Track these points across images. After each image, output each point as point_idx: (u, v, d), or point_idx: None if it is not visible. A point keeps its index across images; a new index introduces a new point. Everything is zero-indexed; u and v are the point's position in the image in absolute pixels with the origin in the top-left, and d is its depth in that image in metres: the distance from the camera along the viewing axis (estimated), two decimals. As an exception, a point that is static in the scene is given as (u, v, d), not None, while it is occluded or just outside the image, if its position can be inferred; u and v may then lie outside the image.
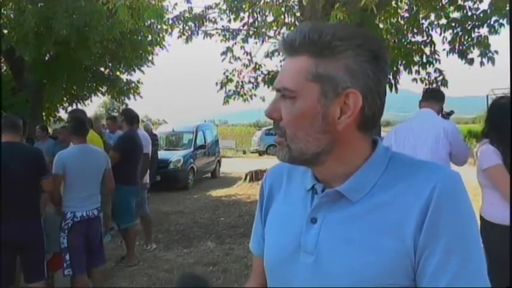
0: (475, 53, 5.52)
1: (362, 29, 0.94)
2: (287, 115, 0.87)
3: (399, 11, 6.13)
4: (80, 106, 13.80)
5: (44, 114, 13.38)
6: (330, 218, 0.89)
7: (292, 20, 6.92)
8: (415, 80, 5.90)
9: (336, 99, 0.85)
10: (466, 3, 5.60)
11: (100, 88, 13.95)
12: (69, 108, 13.76)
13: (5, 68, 12.73)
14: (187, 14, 7.65)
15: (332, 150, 0.87)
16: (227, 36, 8.08)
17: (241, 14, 7.78)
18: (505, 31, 5.41)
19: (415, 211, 0.81)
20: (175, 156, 11.86)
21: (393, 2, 5.78)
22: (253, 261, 1.15)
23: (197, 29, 7.80)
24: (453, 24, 5.62)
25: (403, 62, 5.61)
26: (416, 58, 5.76)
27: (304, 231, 0.91)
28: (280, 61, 7.55)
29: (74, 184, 3.86)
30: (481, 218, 2.87)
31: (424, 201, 0.81)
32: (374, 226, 0.83)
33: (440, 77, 5.87)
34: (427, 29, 5.93)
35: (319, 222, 0.90)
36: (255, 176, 11.42)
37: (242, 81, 8.13)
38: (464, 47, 5.54)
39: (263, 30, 7.63)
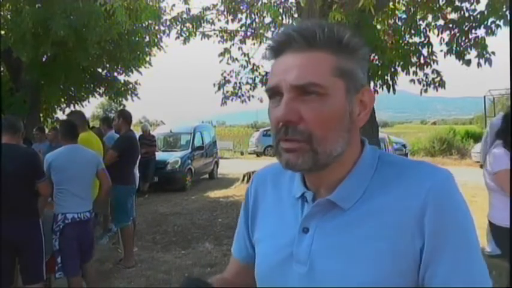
0: (472, 54, 5.54)
1: None
2: (316, 116, 0.80)
3: (397, 12, 6.14)
4: (77, 107, 13.82)
5: (41, 115, 13.35)
6: (322, 227, 0.87)
7: (290, 21, 6.93)
8: (412, 81, 5.92)
9: (356, 96, 0.85)
10: (463, 5, 5.62)
11: (97, 89, 13.94)
12: (67, 109, 13.76)
13: (2, 68, 12.71)
14: (185, 15, 7.65)
15: (344, 152, 0.85)
16: (225, 38, 8.09)
17: (239, 15, 7.79)
18: (501, 32, 5.44)
19: (412, 213, 0.79)
20: (173, 157, 11.84)
21: (391, 3, 5.79)
22: (230, 260, 1.14)
23: (195, 30, 7.79)
24: (450, 25, 5.64)
25: (401, 63, 5.61)
26: (414, 59, 5.77)
27: (297, 241, 0.89)
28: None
29: (62, 184, 3.82)
30: (490, 223, 2.84)
31: (419, 205, 0.79)
32: (369, 232, 0.81)
33: (438, 78, 5.89)
34: (424, 30, 5.95)
35: (311, 231, 0.88)
36: (253, 177, 11.41)
37: (240, 82, 8.14)
38: (461, 48, 5.56)
39: (261, 31, 7.64)
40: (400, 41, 5.84)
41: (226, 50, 7.97)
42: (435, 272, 0.78)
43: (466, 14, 5.57)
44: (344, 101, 0.82)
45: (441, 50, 5.75)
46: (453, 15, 5.72)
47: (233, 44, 8.06)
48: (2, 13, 10.61)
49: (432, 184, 0.80)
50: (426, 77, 5.96)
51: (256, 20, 7.73)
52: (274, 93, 0.84)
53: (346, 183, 0.86)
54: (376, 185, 0.85)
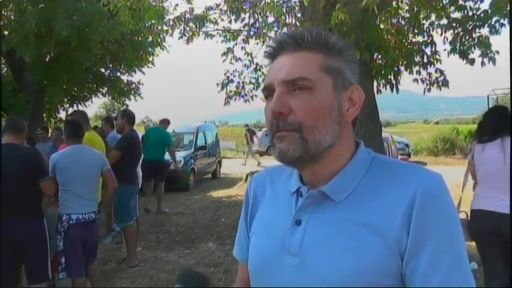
0: (476, 53, 5.51)
1: None
2: (304, 106, 0.86)
3: (400, 11, 6.12)
4: (80, 107, 13.84)
5: (44, 115, 13.37)
6: (314, 219, 0.89)
7: (293, 21, 6.91)
8: (415, 80, 5.90)
9: (344, 92, 0.90)
10: (466, 3, 5.59)
11: (100, 89, 13.97)
12: (70, 109, 13.79)
13: (5, 69, 12.72)
14: (188, 15, 7.65)
15: (334, 145, 0.88)
16: (228, 37, 8.08)
17: (242, 15, 7.77)
18: (505, 31, 5.41)
19: (399, 212, 0.82)
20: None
21: (394, 3, 5.77)
22: (238, 268, 1.15)
23: (198, 29, 7.78)
24: (454, 24, 5.61)
25: (404, 62, 5.59)
26: (417, 58, 5.74)
27: (289, 234, 0.91)
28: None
29: (67, 185, 3.80)
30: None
31: (408, 202, 0.82)
32: (358, 226, 0.84)
33: (441, 78, 5.87)
34: (427, 29, 5.92)
35: (303, 223, 0.90)
36: (256, 176, 11.40)
37: (243, 82, 8.13)
38: (465, 47, 5.52)
39: (264, 31, 7.62)
40: (403, 40, 5.82)
41: (230, 50, 7.96)
42: (416, 268, 0.81)
43: (470, 13, 5.54)
44: (332, 95, 0.88)
45: (445, 49, 5.73)
46: (457, 14, 5.70)
47: (236, 44, 8.06)
48: (5, 13, 10.63)
49: (420, 183, 0.83)
50: (429, 76, 5.94)
51: (260, 19, 7.71)
52: (269, 92, 0.91)
53: (339, 177, 0.90)
54: (368, 182, 0.89)
